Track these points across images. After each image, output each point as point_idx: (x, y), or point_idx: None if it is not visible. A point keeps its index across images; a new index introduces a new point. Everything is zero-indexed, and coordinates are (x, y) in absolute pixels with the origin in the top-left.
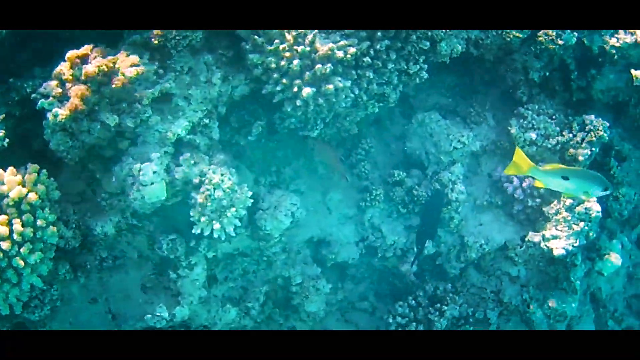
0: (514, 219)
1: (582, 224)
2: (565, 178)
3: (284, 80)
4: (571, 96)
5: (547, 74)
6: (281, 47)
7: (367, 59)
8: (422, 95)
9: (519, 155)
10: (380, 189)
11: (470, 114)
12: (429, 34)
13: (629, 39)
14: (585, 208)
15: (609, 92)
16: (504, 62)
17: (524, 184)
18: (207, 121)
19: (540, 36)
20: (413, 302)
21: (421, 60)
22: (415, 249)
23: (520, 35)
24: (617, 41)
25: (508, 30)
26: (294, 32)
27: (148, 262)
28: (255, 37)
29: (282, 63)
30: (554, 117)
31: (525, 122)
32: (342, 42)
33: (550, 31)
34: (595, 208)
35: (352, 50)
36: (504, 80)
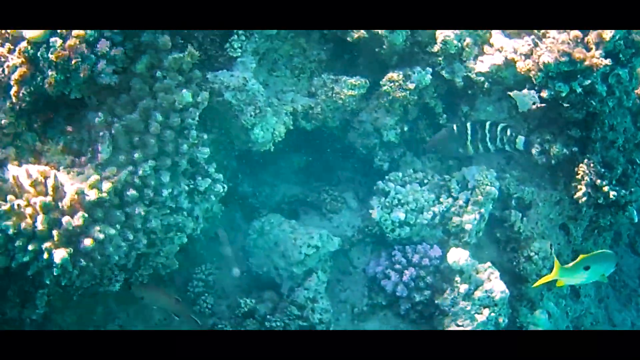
0: (405, 320)
1: (486, 310)
2: (587, 268)
3: (31, 246)
4: None
5: (407, 128)
6: (17, 203)
7: (133, 192)
8: (266, 189)
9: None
10: (228, 325)
11: (325, 201)
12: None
13: (497, 59)
14: (486, 291)
15: None
16: (351, 127)
17: (404, 277)
18: None
19: (384, 85)
20: None
21: (212, 170)
22: None
23: (354, 92)
24: (483, 65)
25: (338, 91)
26: (30, 178)
27: None
28: None
29: (24, 225)
30: (426, 180)
31: (388, 198)
32: (93, 178)
33: (395, 75)
34: (499, 288)
35: (108, 185)
36: (356, 149)
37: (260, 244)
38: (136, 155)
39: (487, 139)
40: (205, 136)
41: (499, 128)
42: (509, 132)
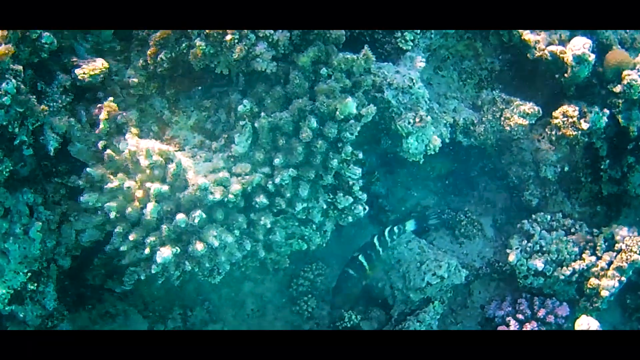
0: None
1: None
2: None
3: (133, 235)
4: (600, 190)
5: (567, 168)
6: (127, 184)
7: (263, 200)
8: (400, 192)
9: None
10: None
11: (461, 223)
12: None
13: None
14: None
15: None
16: (508, 150)
17: (524, 328)
18: (33, 287)
19: (556, 118)
20: None
21: (356, 189)
22: None
23: (525, 122)
24: None
25: (508, 116)
26: (148, 160)
27: None
28: (90, 169)
29: (130, 210)
30: (573, 230)
31: (531, 243)
32: (222, 175)
33: (571, 110)
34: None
35: (237, 187)
36: (508, 175)
37: (382, 257)
38: (277, 159)
39: (381, 252)
40: (361, 155)
41: (386, 234)
42: (396, 230)
